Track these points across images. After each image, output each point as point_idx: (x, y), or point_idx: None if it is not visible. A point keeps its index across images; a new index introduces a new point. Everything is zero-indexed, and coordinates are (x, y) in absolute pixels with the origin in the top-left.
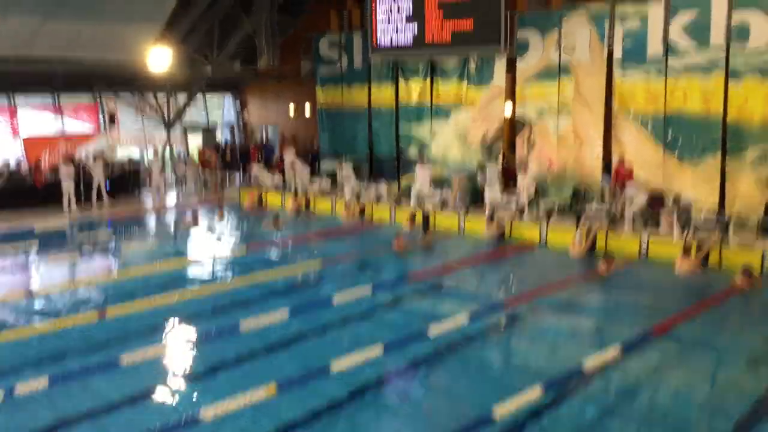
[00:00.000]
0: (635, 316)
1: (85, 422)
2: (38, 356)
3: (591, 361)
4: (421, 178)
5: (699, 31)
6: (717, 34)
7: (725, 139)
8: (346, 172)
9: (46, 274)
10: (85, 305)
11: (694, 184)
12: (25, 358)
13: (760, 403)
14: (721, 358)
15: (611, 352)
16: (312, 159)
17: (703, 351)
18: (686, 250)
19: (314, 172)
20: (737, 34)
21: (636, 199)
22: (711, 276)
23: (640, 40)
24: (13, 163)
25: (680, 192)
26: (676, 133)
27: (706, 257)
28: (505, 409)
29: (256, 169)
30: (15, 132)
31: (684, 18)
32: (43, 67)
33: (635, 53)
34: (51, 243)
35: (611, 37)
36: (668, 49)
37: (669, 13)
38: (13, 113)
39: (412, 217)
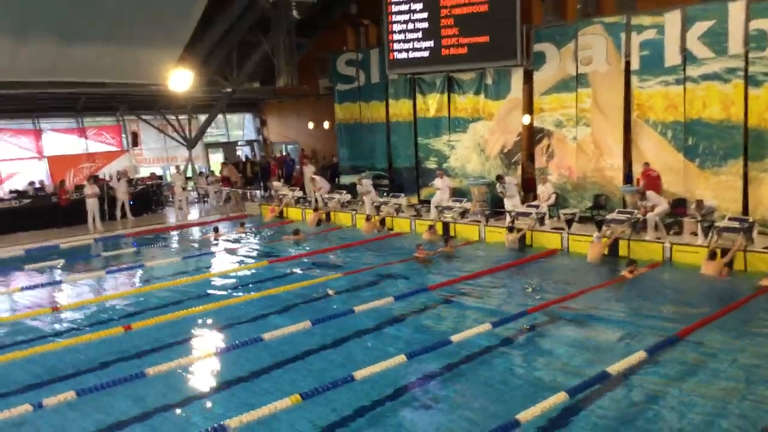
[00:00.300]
0: (661, 320)
1: None
2: (65, 369)
3: (617, 365)
4: (440, 190)
5: (717, 40)
6: (735, 43)
7: (747, 145)
8: (365, 185)
9: (72, 290)
10: (111, 319)
11: (716, 191)
12: (52, 372)
13: None
14: (748, 359)
15: (637, 356)
16: (332, 173)
17: (730, 353)
18: (711, 255)
19: (334, 185)
20: (755, 41)
21: (658, 206)
22: (737, 279)
23: (657, 49)
24: (38, 183)
25: (702, 197)
26: (697, 141)
27: (731, 261)
28: (529, 415)
29: (277, 184)
30: (40, 153)
31: (701, 27)
32: (66, 91)
33: (652, 63)
34: (76, 260)
35: (628, 47)
36: (686, 58)
37: (686, 23)
38: (38, 135)
39: (432, 228)
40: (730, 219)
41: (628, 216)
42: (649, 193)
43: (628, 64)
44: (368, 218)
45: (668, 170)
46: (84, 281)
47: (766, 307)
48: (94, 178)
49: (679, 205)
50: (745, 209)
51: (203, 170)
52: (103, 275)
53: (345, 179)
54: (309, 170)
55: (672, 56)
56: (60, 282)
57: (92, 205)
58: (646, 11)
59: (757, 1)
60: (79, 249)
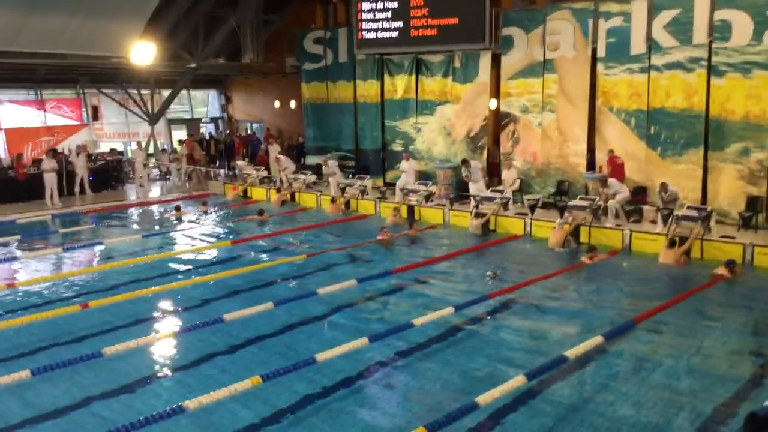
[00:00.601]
0: (618, 307)
1: (65, 414)
2: (20, 348)
3: (575, 350)
4: (406, 172)
5: (682, 29)
6: (699, 33)
7: (707, 134)
8: (331, 166)
9: (29, 267)
10: (68, 297)
11: (676, 179)
12: (6, 350)
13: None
14: (702, 343)
15: (594, 341)
16: (297, 153)
17: (684, 337)
18: (671, 243)
19: (299, 166)
20: (719, 32)
21: (620, 193)
22: (693, 267)
23: (624, 37)
24: None
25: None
26: (659, 129)
27: (689, 249)
28: (488, 398)
29: (241, 163)
30: None
31: (667, 16)
32: (26, 61)
33: (618, 50)
34: (33, 236)
35: (595, 34)
36: (651, 46)
37: (652, 12)
38: None
39: (396, 210)
40: (688, 207)
41: (590, 202)
42: (611, 181)
43: (594, 51)
44: (333, 200)
45: (630, 158)
46: (41, 258)
47: (719, 297)
48: (53, 152)
49: (639, 193)
50: (704, 198)
51: (165, 147)
52: (61, 252)
53: (311, 160)
54: (274, 150)
55: (638, 44)
56: (16, 258)
57: (50, 180)
58: None
59: None
60: (36, 225)
